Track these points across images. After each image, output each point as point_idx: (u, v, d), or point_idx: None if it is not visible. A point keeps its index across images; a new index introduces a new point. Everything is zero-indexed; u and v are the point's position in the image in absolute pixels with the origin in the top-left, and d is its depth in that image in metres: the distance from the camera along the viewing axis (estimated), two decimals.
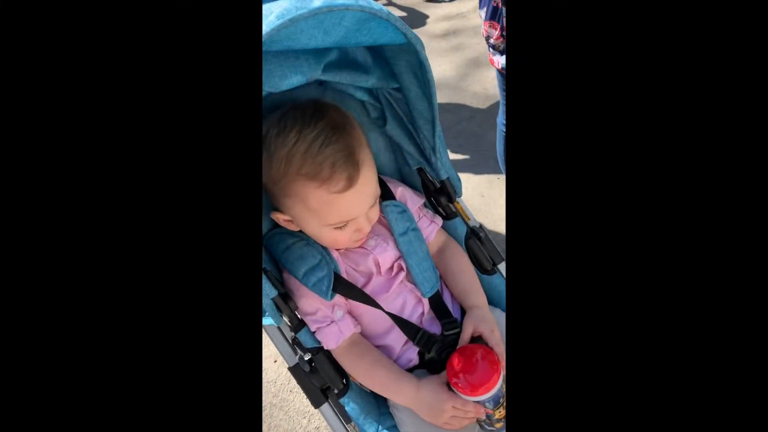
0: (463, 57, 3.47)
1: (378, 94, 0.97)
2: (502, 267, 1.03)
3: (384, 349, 0.93)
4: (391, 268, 0.95)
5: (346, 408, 0.90)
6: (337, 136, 0.80)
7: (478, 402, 0.79)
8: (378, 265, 0.93)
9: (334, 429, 0.90)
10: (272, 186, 0.85)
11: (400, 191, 1.00)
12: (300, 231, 0.91)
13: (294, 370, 0.88)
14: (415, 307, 0.95)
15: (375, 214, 0.90)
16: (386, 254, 0.94)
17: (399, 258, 0.96)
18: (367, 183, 0.84)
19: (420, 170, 1.01)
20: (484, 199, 2.25)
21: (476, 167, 2.43)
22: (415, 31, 0.77)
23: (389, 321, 0.91)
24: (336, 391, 0.89)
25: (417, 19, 4.19)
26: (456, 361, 0.81)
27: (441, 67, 3.37)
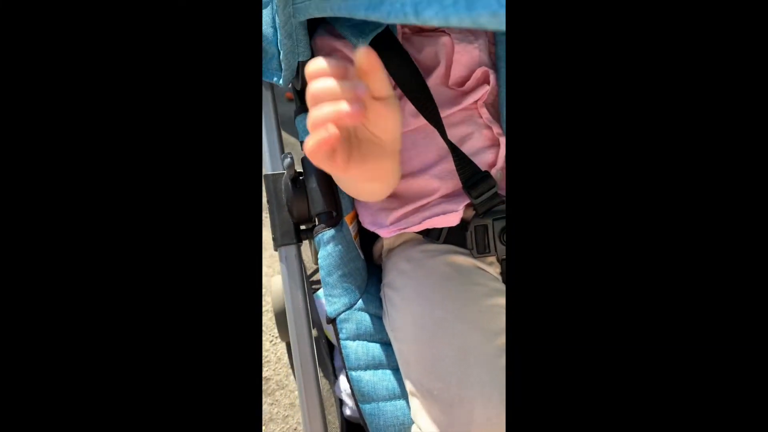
0: None
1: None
2: None
3: (414, 189, 0.62)
4: (467, 79, 0.61)
5: (320, 250, 0.62)
6: None
7: None
8: (449, 59, 0.61)
9: (285, 278, 0.61)
10: None
11: None
12: None
13: (270, 179, 0.61)
14: (483, 150, 0.61)
15: None
16: (468, 52, 0.61)
17: (489, 65, 0.62)
18: None
19: None
20: None
21: None
22: None
23: (437, 150, 0.60)
24: (317, 224, 0.62)
25: None
26: None
27: None
